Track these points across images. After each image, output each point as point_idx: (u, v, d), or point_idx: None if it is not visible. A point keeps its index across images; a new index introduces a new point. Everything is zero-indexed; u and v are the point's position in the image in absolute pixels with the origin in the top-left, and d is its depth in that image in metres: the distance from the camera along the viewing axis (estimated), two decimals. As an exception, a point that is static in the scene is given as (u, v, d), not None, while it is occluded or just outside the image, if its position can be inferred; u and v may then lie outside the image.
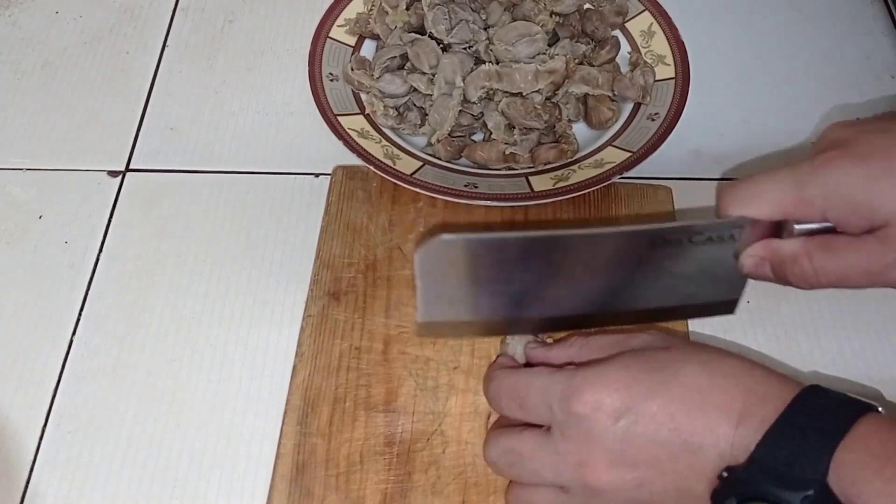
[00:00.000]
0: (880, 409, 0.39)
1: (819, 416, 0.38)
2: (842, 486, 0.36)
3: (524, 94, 0.60)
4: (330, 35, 0.66)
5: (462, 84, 0.60)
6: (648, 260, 0.45)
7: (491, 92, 0.61)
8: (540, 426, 0.43)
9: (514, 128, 0.60)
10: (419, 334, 0.49)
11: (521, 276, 0.46)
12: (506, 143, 0.60)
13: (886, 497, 0.34)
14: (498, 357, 0.49)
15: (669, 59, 0.64)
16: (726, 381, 0.40)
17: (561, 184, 0.58)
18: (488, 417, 0.50)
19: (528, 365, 0.48)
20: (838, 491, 0.36)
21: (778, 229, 0.45)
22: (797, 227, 0.44)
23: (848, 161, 0.43)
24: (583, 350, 0.45)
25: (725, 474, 0.38)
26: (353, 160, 0.59)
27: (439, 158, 0.60)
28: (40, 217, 0.60)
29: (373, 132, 0.61)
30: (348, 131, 0.60)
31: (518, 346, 0.49)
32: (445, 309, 0.47)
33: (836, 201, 0.42)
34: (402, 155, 0.60)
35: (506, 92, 0.60)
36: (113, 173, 0.63)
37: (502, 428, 0.46)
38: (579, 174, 0.58)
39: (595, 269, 0.46)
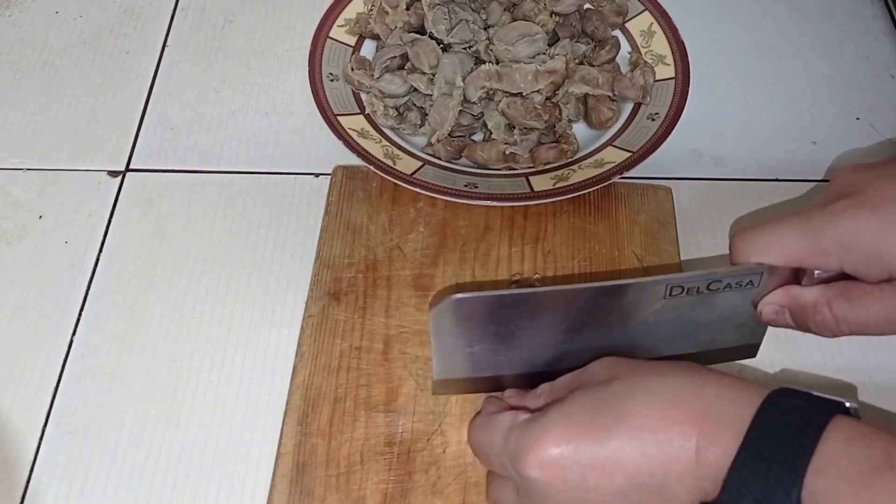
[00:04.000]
0: (848, 404, 0.38)
1: (782, 437, 0.36)
2: None
3: (524, 94, 0.60)
4: (330, 35, 0.66)
5: (462, 84, 0.60)
6: (667, 308, 0.45)
7: (491, 92, 0.61)
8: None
9: (514, 128, 0.60)
10: (434, 392, 0.49)
11: (538, 331, 0.45)
12: (506, 143, 0.60)
13: None
14: (487, 398, 0.48)
15: (669, 59, 0.64)
16: (676, 409, 0.38)
17: (561, 184, 0.58)
18: (488, 417, 0.50)
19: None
20: None
21: (797, 275, 0.44)
22: (817, 272, 0.44)
23: (862, 210, 0.42)
24: (549, 396, 0.44)
25: None
26: (353, 160, 0.59)
27: (439, 158, 0.60)
28: (40, 217, 0.60)
29: (373, 132, 0.61)
30: (348, 131, 0.60)
31: None
32: (461, 366, 0.47)
33: (853, 252, 0.42)
34: (402, 155, 0.60)
35: (506, 92, 0.60)
36: (113, 173, 0.63)
37: (493, 475, 0.46)
38: (579, 174, 0.58)
39: (613, 319, 0.45)
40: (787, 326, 0.46)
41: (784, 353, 0.53)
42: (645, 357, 0.44)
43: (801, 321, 0.45)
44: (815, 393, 0.38)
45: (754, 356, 0.50)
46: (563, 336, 0.46)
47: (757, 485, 0.35)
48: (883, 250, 0.41)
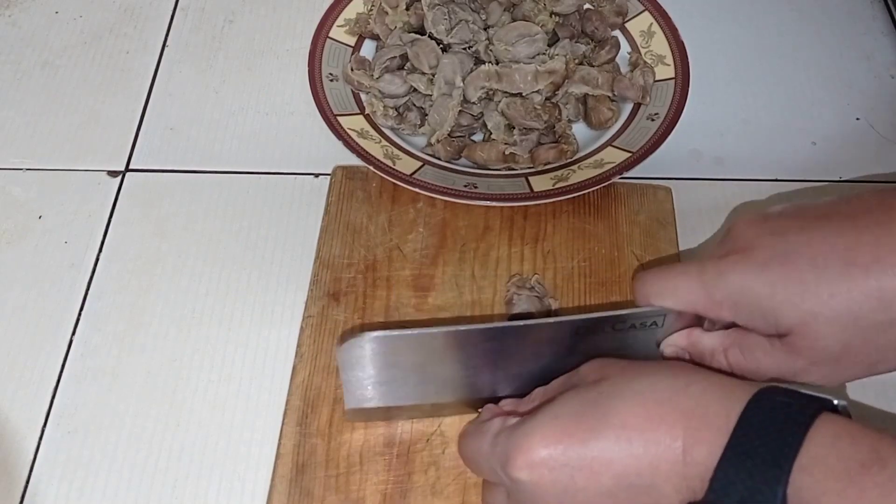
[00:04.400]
0: (836, 402, 0.37)
1: (768, 434, 0.36)
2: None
3: (524, 94, 0.60)
4: (330, 35, 0.66)
5: (462, 84, 0.60)
6: (575, 347, 0.45)
7: (491, 92, 0.61)
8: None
9: (514, 128, 0.60)
10: (349, 419, 0.49)
11: (448, 367, 0.46)
12: (506, 143, 0.60)
13: None
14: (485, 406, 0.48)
15: (669, 59, 0.64)
16: (663, 409, 0.38)
17: (561, 184, 0.58)
18: (488, 418, 0.50)
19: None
20: None
21: (699, 317, 0.45)
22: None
23: (749, 268, 0.41)
24: (543, 398, 0.45)
25: None
26: (353, 160, 0.59)
27: (439, 158, 0.60)
28: (40, 217, 0.60)
29: (373, 132, 0.61)
30: (348, 131, 0.60)
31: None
32: (373, 397, 0.47)
33: (742, 307, 0.42)
34: (402, 155, 0.60)
35: (505, 92, 0.60)
36: (113, 173, 0.63)
37: (487, 482, 0.46)
38: (579, 174, 0.58)
39: (522, 357, 0.46)
40: None
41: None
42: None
43: (699, 362, 0.45)
44: (803, 391, 0.38)
45: None
46: (475, 371, 0.47)
47: (743, 483, 0.35)
48: (769, 308, 0.41)
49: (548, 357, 0.46)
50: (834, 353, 0.41)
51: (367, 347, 0.44)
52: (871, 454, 0.34)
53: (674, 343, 0.46)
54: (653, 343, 0.46)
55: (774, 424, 0.36)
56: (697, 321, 0.45)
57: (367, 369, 0.45)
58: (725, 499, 0.35)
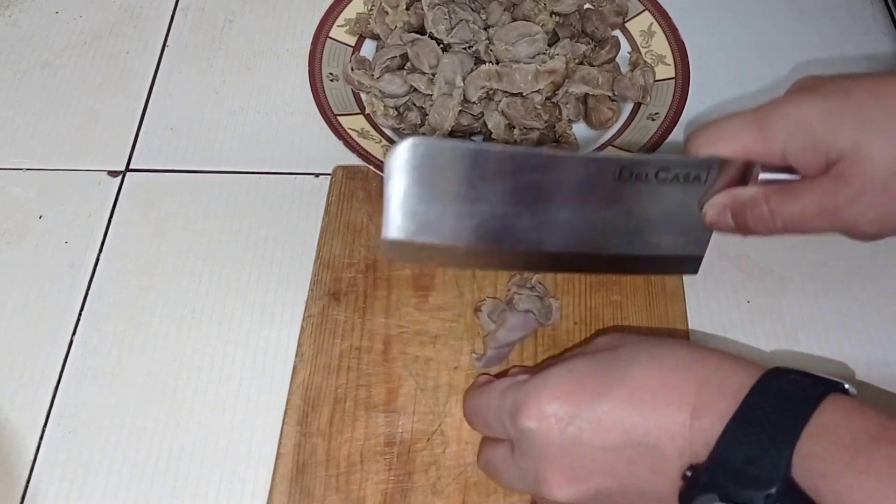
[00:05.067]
0: (847, 385, 0.37)
1: (779, 404, 0.36)
2: (811, 480, 0.34)
3: (524, 94, 0.60)
4: (330, 35, 0.66)
5: (462, 84, 0.60)
6: (615, 195, 0.45)
7: (491, 92, 0.61)
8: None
9: (515, 127, 0.60)
10: (382, 254, 0.47)
11: (489, 194, 0.45)
12: (506, 143, 0.60)
13: (859, 490, 0.33)
14: (479, 377, 0.49)
15: (669, 59, 0.64)
16: (678, 374, 0.39)
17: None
18: (488, 417, 0.50)
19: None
20: (807, 484, 0.34)
21: (744, 178, 0.45)
22: (762, 175, 0.44)
23: (811, 97, 0.43)
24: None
25: (689, 473, 0.37)
26: (353, 160, 0.59)
27: (439, 158, 0.60)
28: (40, 217, 0.60)
29: (373, 132, 0.61)
30: (348, 131, 0.60)
31: (490, 311, 0.52)
32: (410, 228, 0.45)
33: (794, 136, 0.43)
34: (403, 155, 0.60)
35: (506, 92, 0.60)
36: (113, 173, 0.63)
37: (486, 439, 0.46)
38: (579, 174, 0.58)
39: (565, 196, 0.45)
40: (728, 230, 0.46)
41: (783, 347, 0.54)
42: (589, 251, 0.46)
43: (740, 219, 0.45)
44: (815, 372, 0.38)
45: (696, 272, 0.50)
46: (513, 206, 0.45)
47: (749, 444, 0.35)
48: (821, 134, 0.42)
49: (589, 204, 0.45)
50: (882, 178, 0.41)
51: (418, 153, 0.42)
52: (881, 429, 0.34)
53: (716, 202, 0.46)
54: (693, 203, 0.46)
55: (786, 396, 0.36)
56: (740, 182, 0.45)
57: (412, 184, 0.43)
58: (730, 458, 0.36)
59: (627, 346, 0.42)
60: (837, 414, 0.35)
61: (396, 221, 0.45)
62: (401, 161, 0.43)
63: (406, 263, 0.48)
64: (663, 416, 0.38)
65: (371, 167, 0.58)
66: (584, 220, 0.46)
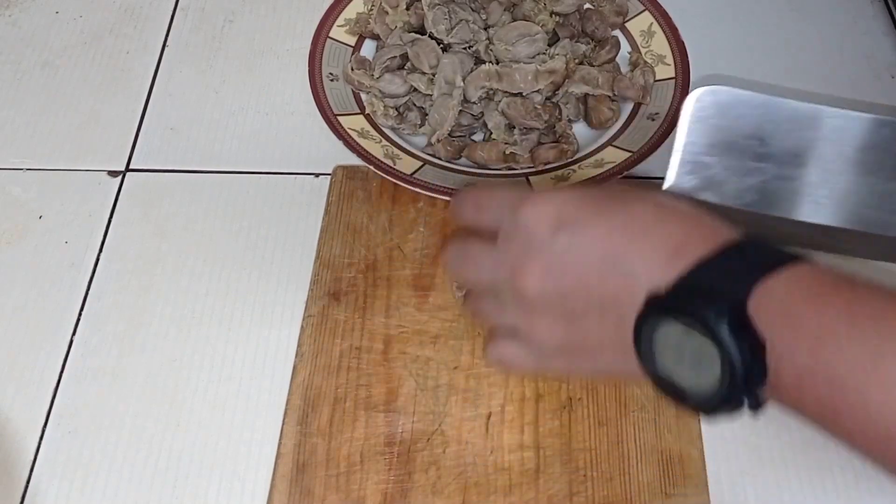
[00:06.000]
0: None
1: (757, 252, 0.37)
2: (769, 316, 0.35)
3: (524, 94, 0.60)
4: (330, 35, 0.66)
5: (462, 84, 0.60)
6: None
7: (491, 92, 0.61)
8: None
9: (514, 128, 0.60)
10: None
11: (784, 160, 0.42)
12: (506, 143, 0.60)
13: (816, 323, 0.34)
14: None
15: (669, 59, 0.64)
16: (673, 218, 0.40)
17: (561, 184, 0.58)
18: (488, 417, 0.50)
19: None
20: (764, 320, 0.35)
21: None
22: None
23: None
24: None
25: (652, 297, 0.38)
26: (353, 160, 0.59)
27: (439, 158, 0.60)
28: (40, 217, 0.60)
29: (373, 132, 0.61)
30: (348, 131, 0.60)
31: None
32: (695, 183, 0.43)
33: None
34: (402, 155, 0.60)
35: (506, 92, 0.60)
36: (113, 173, 0.63)
37: (463, 234, 0.47)
38: (579, 174, 0.58)
39: (850, 164, 0.42)
40: None
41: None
42: (869, 231, 0.43)
43: None
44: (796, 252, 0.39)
45: None
46: (801, 174, 0.42)
47: (716, 273, 0.37)
48: None
49: (870, 176, 0.42)
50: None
51: (718, 99, 0.41)
52: (849, 279, 0.36)
53: None
54: None
55: (767, 250, 0.37)
56: None
57: (704, 135, 0.42)
58: (693, 280, 0.37)
59: (638, 191, 0.43)
60: (811, 269, 0.36)
61: (680, 174, 0.43)
62: (694, 109, 0.42)
63: None
64: (647, 248, 0.39)
65: (371, 167, 0.58)
66: (868, 193, 0.43)
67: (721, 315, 0.35)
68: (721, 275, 0.37)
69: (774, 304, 0.35)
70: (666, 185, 0.44)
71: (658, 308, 0.37)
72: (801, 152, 0.43)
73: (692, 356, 0.36)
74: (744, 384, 0.35)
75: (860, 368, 0.33)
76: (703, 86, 0.42)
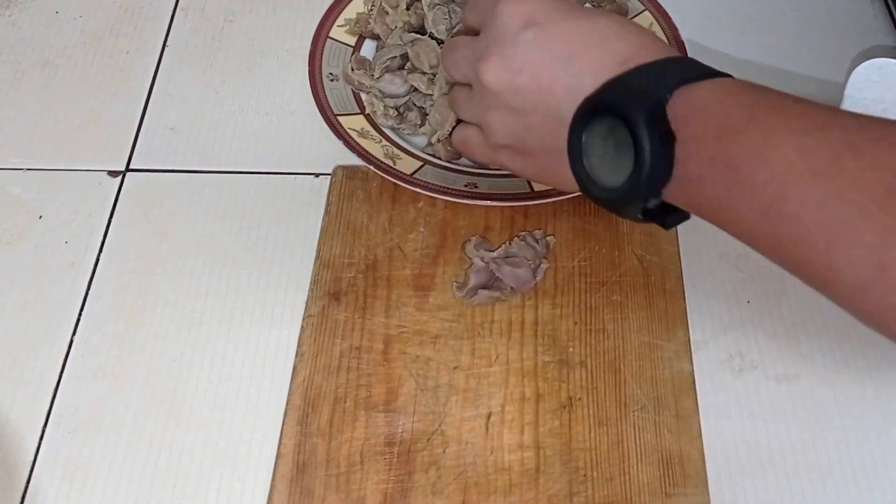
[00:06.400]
0: None
1: (689, 66, 0.41)
2: (685, 113, 0.38)
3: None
4: (330, 35, 0.66)
5: (462, 84, 0.60)
6: None
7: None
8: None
9: (515, 128, 0.60)
10: None
11: None
12: (506, 143, 0.60)
13: (723, 120, 0.37)
14: None
15: (669, 59, 0.64)
16: (631, 35, 0.43)
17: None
18: (488, 417, 0.50)
19: None
20: (679, 118, 0.38)
21: None
22: None
23: None
24: None
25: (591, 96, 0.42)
26: (354, 160, 0.59)
27: (440, 158, 0.60)
28: (40, 217, 0.60)
29: (373, 132, 0.61)
30: (348, 131, 0.60)
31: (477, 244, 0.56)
32: None
33: None
34: (403, 155, 0.60)
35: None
36: (113, 173, 0.63)
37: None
38: (579, 174, 0.58)
39: None
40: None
41: (783, 347, 0.53)
42: None
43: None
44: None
45: None
46: None
47: (646, 76, 0.41)
48: None
49: None
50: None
51: (884, 72, 0.43)
52: (763, 87, 0.39)
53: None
54: None
55: (703, 65, 0.42)
56: None
57: (869, 108, 0.44)
58: (625, 80, 0.41)
59: (607, 9, 0.48)
60: (740, 82, 0.40)
61: None
62: (863, 80, 0.43)
63: None
64: (598, 55, 0.42)
65: (371, 167, 0.58)
66: None
67: (640, 110, 0.39)
68: (650, 80, 0.40)
69: (691, 104, 0.39)
70: None
71: (589, 107, 0.41)
72: None
73: (613, 153, 0.40)
74: (650, 177, 0.39)
75: (753, 151, 0.36)
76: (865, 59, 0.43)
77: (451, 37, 0.60)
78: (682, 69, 0.41)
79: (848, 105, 0.43)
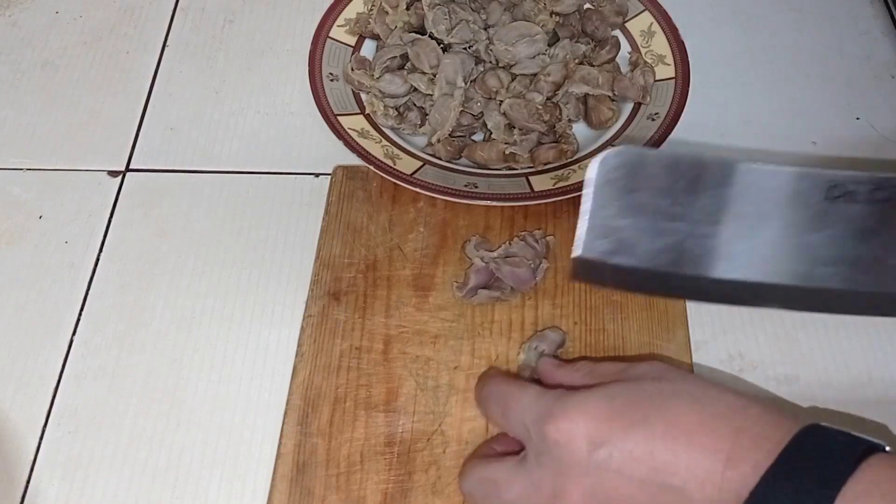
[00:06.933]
0: (887, 448, 0.36)
1: (819, 459, 0.35)
2: None
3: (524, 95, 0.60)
4: (330, 35, 0.66)
5: (463, 84, 0.60)
6: (825, 217, 0.40)
7: (493, 91, 0.61)
8: (517, 454, 0.43)
9: (514, 128, 0.60)
10: (572, 276, 0.43)
11: (694, 213, 0.41)
12: (506, 143, 0.60)
13: None
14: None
15: (669, 59, 0.64)
16: (715, 420, 0.38)
17: (561, 184, 0.58)
18: (488, 417, 0.50)
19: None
20: None
21: None
22: None
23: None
24: (587, 376, 0.44)
25: None
26: (354, 160, 0.59)
27: (439, 158, 0.60)
28: (40, 217, 0.60)
29: (373, 132, 0.61)
30: (348, 131, 0.60)
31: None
32: (605, 247, 0.42)
33: None
34: (403, 155, 0.60)
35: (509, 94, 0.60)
36: (113, 173, 0.63)
37: (478, 458, 0.46)
38: (579, 174, 0.58)
39: (768, 218, 0.41)
40: None
41: (783, 346, 0.54)
42: (803, 285, 0.41)
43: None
44: (854, 433, 0.37)
45: None
46: (716, 227, 0.41)
47: (786, 496, 0.34)
48: None
49: (793, 229, 0.40)
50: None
51: (624, 160, 0.40)
52: None
53: None
54: None
55: (826, 452, 0.35)
56: None
57: (613, 198, 0.41)
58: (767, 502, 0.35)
59: (671, 380, 0.41)
60: (880, 471, 0.34)
61: (589, 241, 0.42)
62: (600, 172, 0.40)
63: (594, 287, 0.45)
64: (695, 460, 0.37)
65: (371, 167, 0.58)
66: (788, 247, 0.41)
67: None
68: (790, 495, 0.34)
69: None
70: (574, 254, 0.42)
71: None
72: (716, 209, 0.41)
73: None
74: None
75: None
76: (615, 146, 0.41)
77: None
78: (819, 462, 0.35)
79: (588, 201, 0.41)
